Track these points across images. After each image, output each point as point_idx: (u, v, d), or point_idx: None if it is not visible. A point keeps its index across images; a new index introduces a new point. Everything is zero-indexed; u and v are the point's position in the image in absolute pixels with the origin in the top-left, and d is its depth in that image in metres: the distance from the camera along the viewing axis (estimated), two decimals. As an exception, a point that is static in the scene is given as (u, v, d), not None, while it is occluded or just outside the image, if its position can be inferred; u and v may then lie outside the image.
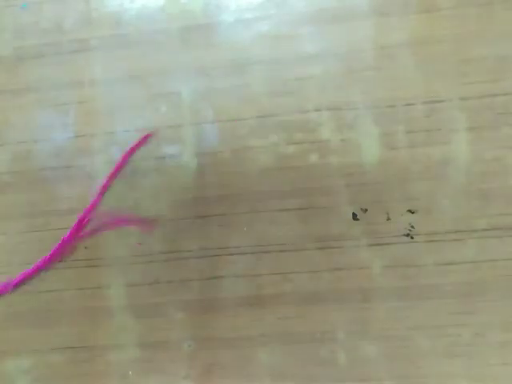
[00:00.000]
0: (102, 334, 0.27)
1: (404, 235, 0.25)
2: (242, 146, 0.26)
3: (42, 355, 0.27)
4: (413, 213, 0.25)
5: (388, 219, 0.25)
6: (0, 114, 0.28)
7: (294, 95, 0.26)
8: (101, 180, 0.27)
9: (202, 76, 0.27)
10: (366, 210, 0.25)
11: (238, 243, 0.26)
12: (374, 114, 0.25)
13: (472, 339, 0.25)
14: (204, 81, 0.27)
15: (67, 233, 0.22)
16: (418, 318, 0.25)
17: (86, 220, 0.18)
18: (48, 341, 0.27)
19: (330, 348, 0.25)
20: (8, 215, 0.28)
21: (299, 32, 0.26)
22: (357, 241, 0.25)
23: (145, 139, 0.17)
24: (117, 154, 0.27)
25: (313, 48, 0.26)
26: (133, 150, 0.17)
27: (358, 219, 0.25)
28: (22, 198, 0.28)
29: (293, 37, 0.26)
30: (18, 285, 0.24)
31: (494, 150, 0.25)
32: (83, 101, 0.28)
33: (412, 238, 0.25)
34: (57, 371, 0.27)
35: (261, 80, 0.26)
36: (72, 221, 0.27)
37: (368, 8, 0.26)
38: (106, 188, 0.18)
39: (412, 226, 0.25)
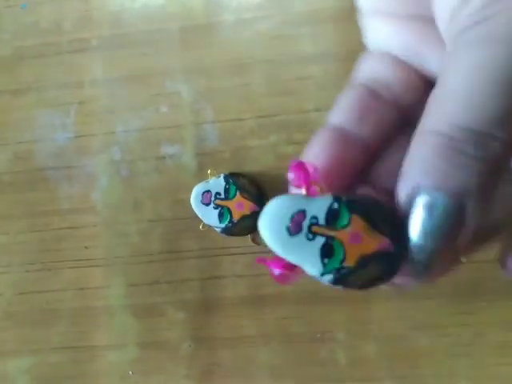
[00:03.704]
0: (102, 333, 0.27)
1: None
2: (242, 146, 0.26)
3: (43, 355, 0.27)
4: (413, 213, 0.25)
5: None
6: (0, 114, 0.28)
7: (294, 95, 0.26)
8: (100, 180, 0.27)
9: (202, 76, 0.27)
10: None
11: (238, 243, 0.26)
12: (374, 114, 0.25)
13: (472, 339, 0.25)
14: (204, 81, 0.27)
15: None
16: (417, 317, 0.25)
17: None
18: (48, 341, 0.27)
19: (330, 348, 0.25)
20: (9, 215, 0.28)
21: (299, 32, 0.26)
22: (357, 241, 0.25)
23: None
24: (117, 155, 0.27)
25: (313, 48, 0.26)
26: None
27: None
28: (23, 198, 0.28)
29: (293, 36, 0.26)
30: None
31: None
32: (84, 101, 0.28)
33: (412, 237, 0.25)
34: (57, 371, 0.27)
35: (261, 80, 0.26)
36: (72, 221, 0.27)
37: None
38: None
39: (412, 226, 0.25)
